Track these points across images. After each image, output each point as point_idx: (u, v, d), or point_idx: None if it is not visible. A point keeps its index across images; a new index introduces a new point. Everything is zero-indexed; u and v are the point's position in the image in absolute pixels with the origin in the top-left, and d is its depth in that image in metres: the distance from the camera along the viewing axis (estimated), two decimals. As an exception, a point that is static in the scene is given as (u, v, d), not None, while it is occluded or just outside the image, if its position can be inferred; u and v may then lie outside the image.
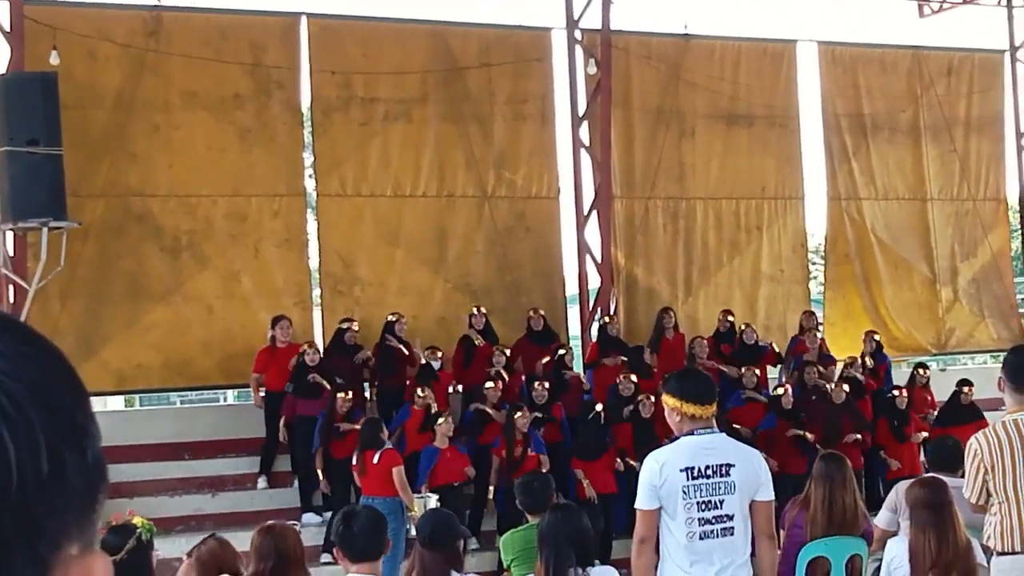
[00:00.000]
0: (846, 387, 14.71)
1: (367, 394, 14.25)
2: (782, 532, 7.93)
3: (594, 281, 16.54)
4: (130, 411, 17.39)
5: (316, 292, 15.58)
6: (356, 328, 14.08)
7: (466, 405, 14.15)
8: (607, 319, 15.58)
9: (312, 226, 15.51)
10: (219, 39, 14.65)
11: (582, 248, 16.50)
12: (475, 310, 14.79)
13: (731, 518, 5.59)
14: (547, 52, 16.48)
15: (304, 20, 15.18)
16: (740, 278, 17.41)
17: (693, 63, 17.10)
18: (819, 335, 16.48)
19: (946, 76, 19.05)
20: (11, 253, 13.44)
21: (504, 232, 15.95)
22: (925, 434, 14.39)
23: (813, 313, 16.90)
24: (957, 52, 19.39)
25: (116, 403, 17.79)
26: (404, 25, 16.01)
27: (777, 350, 16.02)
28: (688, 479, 5.54)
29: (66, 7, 14.29)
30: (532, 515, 7.44)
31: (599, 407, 13.56)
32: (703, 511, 5.55)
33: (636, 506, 5.68)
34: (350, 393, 13.07)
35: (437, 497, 11.36)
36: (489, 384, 13.69)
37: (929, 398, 15.85)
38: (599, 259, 16.34)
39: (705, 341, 15.42)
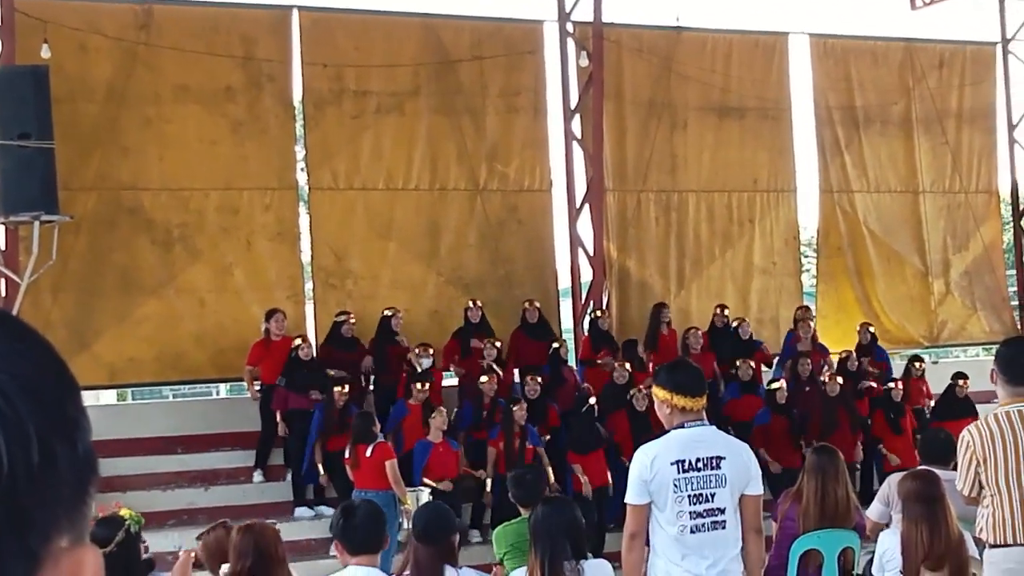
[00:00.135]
0: (839, 379, 14.72)
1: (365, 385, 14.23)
2: (774, 525, 7.95)
3: (586, 274, 16.53)
4: (123, 405, 17.39)
5: (308, 286, 15.56)
6: (353, 321, 14.08)
7: (461, 399, 14.15)
8: (599, 313, 15.56)
9: (304, 219, 15.48)
10: (210, 32, 14.62)
11: (574, 241, 16.48)
12: (471, 303, 14.77)
13: (722, 511, 5.54)
14: (539, 45, 16.46)
15: (296, 13, 15.15)
16: (732, 271, 17.40)
17: (685, 55, 17.09)
18: (812, 324, 16.44)
19: (938, 68, 19.05)
20: (2, 247, 13.43)
21: (496, 225, 15.94)
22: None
23: (808, 307, 16.91)
24: (949, 44, 19.38)
25: (109, 397, 17.78)
26: (396, 18, 15.98)
27: (769, 352, 16.01)
28: (679, 472, 5.48)
29: (57, 0, 14.23)
30: (524, 508, 7.43)
31: (592, 400, 13.56)
32: (694, 504, 5.50)
33: (626, 501, 5.63)
34: (347, 387, 13.09)
35: (430, 491, 11.36)
36: (483, 378, 13.68)
37: (925, 389, 15.92)
38: (591, 252, 16.33)
39: (700, 333, 15.43)
